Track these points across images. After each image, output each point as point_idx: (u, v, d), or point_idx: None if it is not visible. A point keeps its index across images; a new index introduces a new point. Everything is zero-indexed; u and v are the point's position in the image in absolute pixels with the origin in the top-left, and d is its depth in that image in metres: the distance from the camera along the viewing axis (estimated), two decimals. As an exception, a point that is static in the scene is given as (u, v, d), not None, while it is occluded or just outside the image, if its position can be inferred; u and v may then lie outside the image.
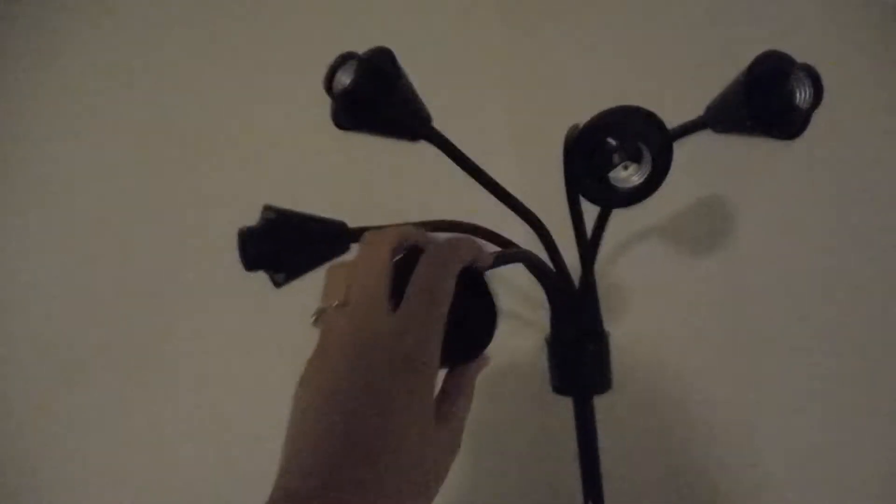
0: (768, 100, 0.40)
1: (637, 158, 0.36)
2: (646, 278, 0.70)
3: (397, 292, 0.33)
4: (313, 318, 0.35)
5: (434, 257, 0.34)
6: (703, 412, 0.70)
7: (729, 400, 0.70)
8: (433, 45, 0.76)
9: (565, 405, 0.54)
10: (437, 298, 0.33)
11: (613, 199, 0.36)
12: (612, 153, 0.36)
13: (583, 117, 0.39)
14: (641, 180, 0.36)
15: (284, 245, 0.44)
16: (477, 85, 0.76)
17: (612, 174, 0.37)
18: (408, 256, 0.35)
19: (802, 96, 0.40)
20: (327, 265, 0.46)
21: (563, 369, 0.52)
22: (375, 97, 0.40)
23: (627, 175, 0.37)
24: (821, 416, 0.68)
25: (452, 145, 0.44)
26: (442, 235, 0.38)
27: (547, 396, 0.54)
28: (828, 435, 0.68)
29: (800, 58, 0.40)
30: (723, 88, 0.43)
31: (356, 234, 0.46)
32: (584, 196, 0.38)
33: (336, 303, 0.34)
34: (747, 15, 0.71)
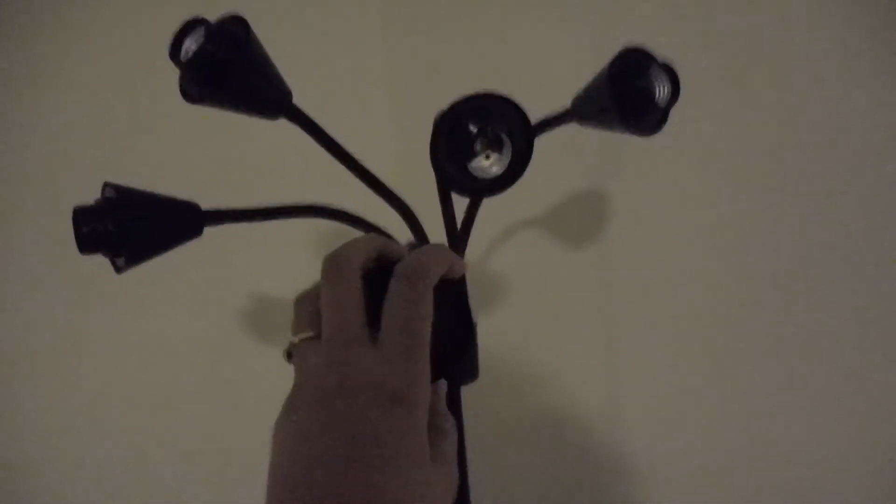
0: (628, 94, 0.40)
1: (498, 148, 0.36)
2: (518, 271, 0.71)
3: (372, 316, 0.30)
4: (284, 353, 0.32)
5: (406, 279, 0.31)
6: (569, 407, 0.72)
7: (597, 397, 0.72)
8: (307, 22, 0.73)
9: (433, 395, 0.53)
10: (416, 326, 0.30)
11: (473, 188, 0.36)
12: (474, 140, 0.35)
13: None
14: (501, 170, 0.35)
15: (124, 226, 0.40)
16: (354, 65, 0.74)
17: (473, 163, 0.36)
18: (377, 272, 0.32)
19: (661, 93, 0.41)
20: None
21: (431, 359, 0.52)
22: (227, 65, 0.37)
23: (489, 164, 0.36)
24: (693, 414, 0.70)
25: (315, 124, 0.42)
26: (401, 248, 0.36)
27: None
28: (704, 431, 0.70)
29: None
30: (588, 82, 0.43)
31: (209, 217, 0.43)
32: (442, 184, 0.37)
33: (307, 335, 0.31)
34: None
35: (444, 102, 0.42)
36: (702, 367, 0.70)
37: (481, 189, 0.35)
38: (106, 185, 0.41)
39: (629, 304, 0.72)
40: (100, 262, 0.41)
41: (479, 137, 0.35)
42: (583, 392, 0.72)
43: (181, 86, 0.38)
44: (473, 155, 0.36)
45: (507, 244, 0.72)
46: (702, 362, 0.70)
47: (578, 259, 0.72)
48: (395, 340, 0.30)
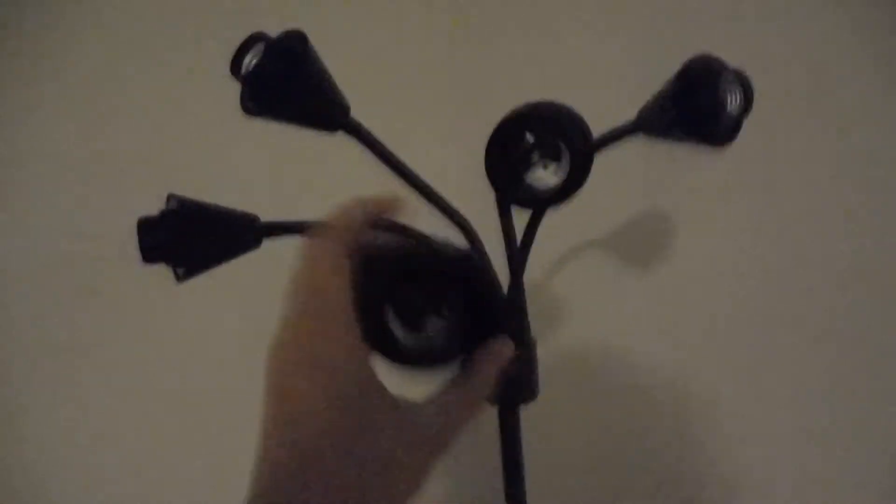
0: (698, 105, 0.38)
1: (556, 158, 0.34)
2: (581, 288, 0.69)
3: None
4: None
5: (308, 249, 0.31)
6: (635, 431, 0.69)
7: (660, 415, 0.69)
8: (368, 35, 0.74)
9: (492, 416, 0.52)
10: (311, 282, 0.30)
11: (529, 199, 0.34)
12: (531, 151, 0.34)
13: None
14: (559, 181, 0.34)
15: (186, 237, 0.41)
16: (412, 76, 0.74)
17: (529, 173, 0.34)
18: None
19: (733, 102, 0.38)
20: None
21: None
22: (285, 80, 0.37)
23: (546, 175, 0.35)
24: (760, 436, 0.67)
25: (373, 138, 0.42)
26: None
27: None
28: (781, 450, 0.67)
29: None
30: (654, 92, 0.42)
31: (268, 229, 0.43)
32: (499, 193, 0.36)
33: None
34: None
35: (502, 113, 0.41)
36: (775, 380, 0.66)
37: (538, 200, 0.34)
38: (170, 196, 0.42)
39: (697, 324, 0.68)
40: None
41: (536, 148, 0.34)
42: (650, 416, 0.69)
43: (241, 100, 0.39)
44: (531, 166, 0.35)
45: (568, 263, 0.70)
46: (771, 375, 0.66)
47: (643, 277, 0.70)
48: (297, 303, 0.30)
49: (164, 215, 0.41)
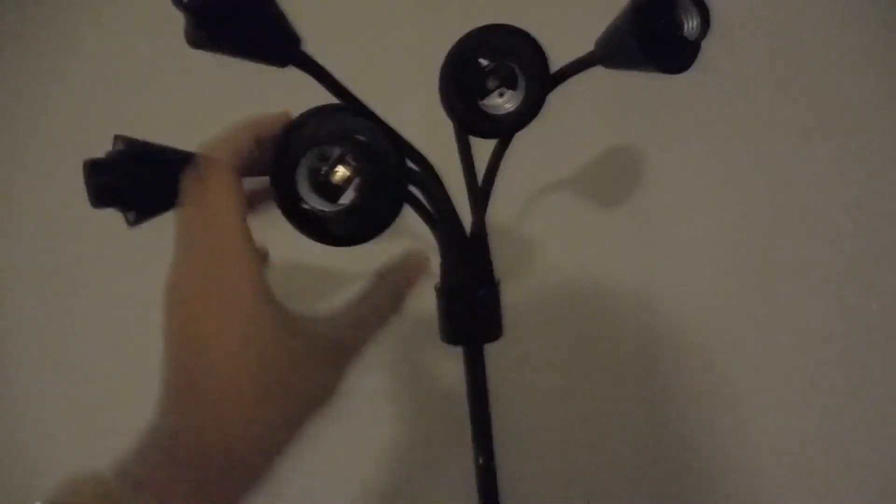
0: (654, 31, 0.38)
1: (513, 85, 0.34)
2: (547, 227, 0.69)
3: None
4: None
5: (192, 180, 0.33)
6: (604, 373, 0.70)
7: (628, 354, 0.70)
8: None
9: (458, 355, 0.52)
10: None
11: (485, 127, 0.34)
12: (486, 77, 0.33)
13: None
14: (515, 108, 0.33)
15: (134, 179, 0.40)
16: (382, 25, 0.72)
17: (486, 101, 0.34)
18: None
19: (690, 26, 0.38)
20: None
21: (452, 318, 0.50)
22: (230, 7, 0.36)
23: (502, 102, 0.34)
24: (736, 368, 0.68)
25: (325, 70, 0.40)
26: None
27: (440, 348, 0.52)
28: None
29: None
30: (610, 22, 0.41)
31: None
32: (455, 121, 0.36)
33: None
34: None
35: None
36: (749, 313, 0.68)
37: (495, 128, 0.34)
38: (117, 137, 0.40)
39: (668, 261, 0.69)
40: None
41: (491, 74, 0.33)
42: (620, 353, 0.70)
43: (185, 30, 0.37)
44: (487, 94, 0.34)
45: (532, 202, 0.70)
46: (746, 308, 0.68)
47: (611, 217, 0.70)
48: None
49: (112, 156, 0.40)
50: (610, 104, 0.67)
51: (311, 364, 0.31)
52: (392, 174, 0.34)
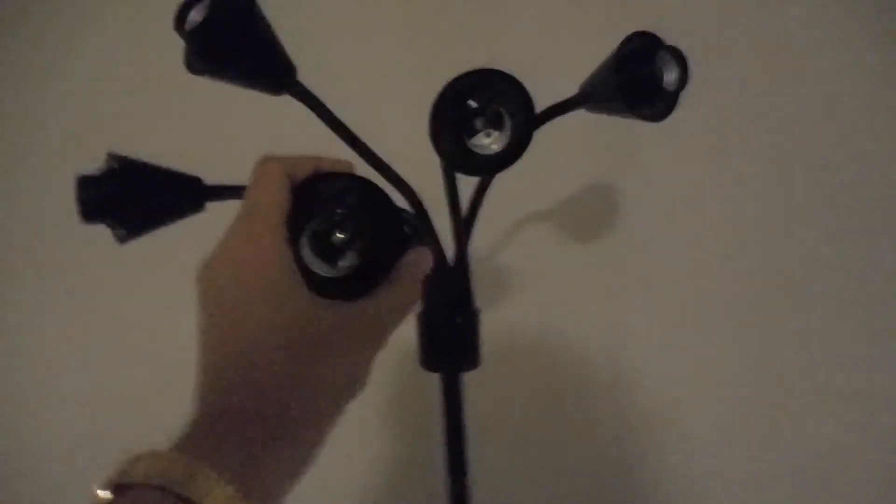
0: (636, 80, 0.40)
1: (500, 126, 0.35)
2: (526, 260, 0.70)
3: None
4: None
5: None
6: (577, 400, 0.71)
7: (606, 390, 0.71)
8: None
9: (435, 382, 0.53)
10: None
11: (472, 165, 0.35)
12: (474, 117, 0.35)
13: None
14: (500, 148, 0.35)
15: (126, 197, 0.40)
16: (371, 48, 0.73)
17: (473, 140, 0.35)
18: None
19: (669, 77, 0.40)
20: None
21: (431, 344, 0.51)
22: (229, 37, 0.37)
23: (489, 142, 0.35)
24: (705, 402, 0.70)
25: (318, 101, 0.42)
26: None
27: (419, 375, 0.53)
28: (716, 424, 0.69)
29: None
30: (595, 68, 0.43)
31: (212, 192, 0.43)
32: (442, 158, 0.37)
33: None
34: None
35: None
36: (714, 355, 0.69)
37: (480, 166, 0.35)
38: (110, 154, 0.41)
39: (640, 297, 0.71)
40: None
41: (479, 114, 0.35)
42: (592, 385, 0.71)
43: (185, 57, 0.38)
44: (475, 133, 0.35)
45: (515, 235, 0.71)
46: (712, 349, 0.69)
47: (588, 250, 0.71)
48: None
49: (105, 173, 0.41)
50: (592, 140, 0.69)
51: (341, 339, 0.32)
52: (391, 235, 0.37)
